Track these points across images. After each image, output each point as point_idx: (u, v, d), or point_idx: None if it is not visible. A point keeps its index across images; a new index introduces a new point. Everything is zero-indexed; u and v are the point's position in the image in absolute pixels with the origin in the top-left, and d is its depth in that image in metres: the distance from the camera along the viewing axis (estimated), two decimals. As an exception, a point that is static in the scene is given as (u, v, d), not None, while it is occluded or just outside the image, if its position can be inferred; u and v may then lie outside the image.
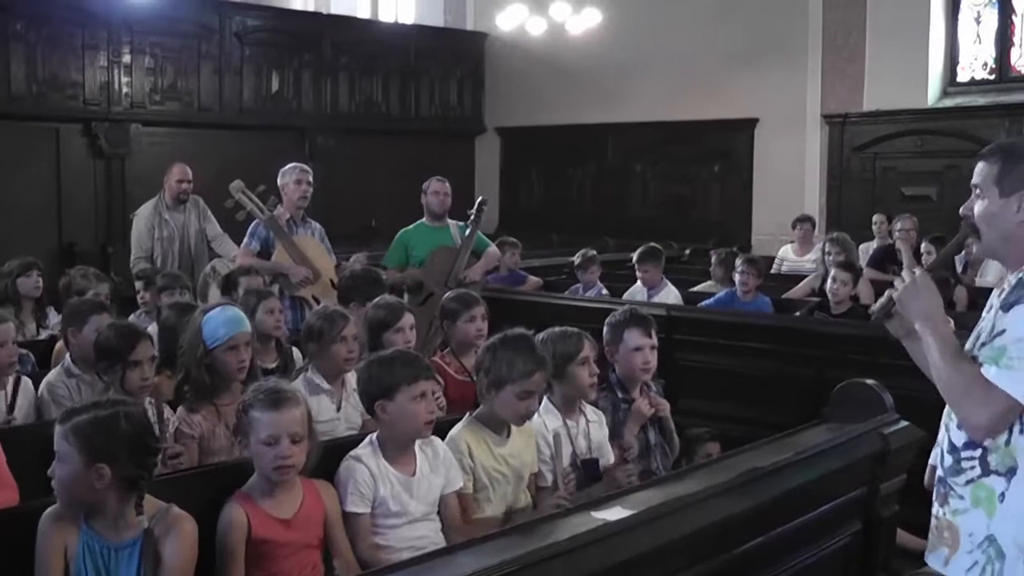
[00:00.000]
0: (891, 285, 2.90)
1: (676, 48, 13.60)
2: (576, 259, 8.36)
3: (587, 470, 3.94)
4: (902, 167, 12.26)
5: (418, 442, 3.51)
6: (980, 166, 2.79)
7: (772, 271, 9.95)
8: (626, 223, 13.82)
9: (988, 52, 12.18)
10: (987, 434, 2.63)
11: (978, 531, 2.68)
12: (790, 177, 12.96)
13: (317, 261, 7.13)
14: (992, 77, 12.17)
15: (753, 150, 13.56)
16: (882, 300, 2.95)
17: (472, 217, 7.71)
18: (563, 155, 15.29)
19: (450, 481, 3.55)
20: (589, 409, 4.12)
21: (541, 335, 4.12)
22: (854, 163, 12.61)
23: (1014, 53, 12.03)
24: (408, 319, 4.84)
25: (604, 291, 8.21)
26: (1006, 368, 2.56)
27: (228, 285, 6.32)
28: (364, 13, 16.72)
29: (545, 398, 4.03)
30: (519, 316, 7.52)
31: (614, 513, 2.72)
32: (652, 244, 8.14)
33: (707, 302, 7.66)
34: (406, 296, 7.62)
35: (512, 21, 13.52)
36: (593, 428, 4.08)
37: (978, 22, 12.21)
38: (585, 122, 14.62)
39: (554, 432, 3.87)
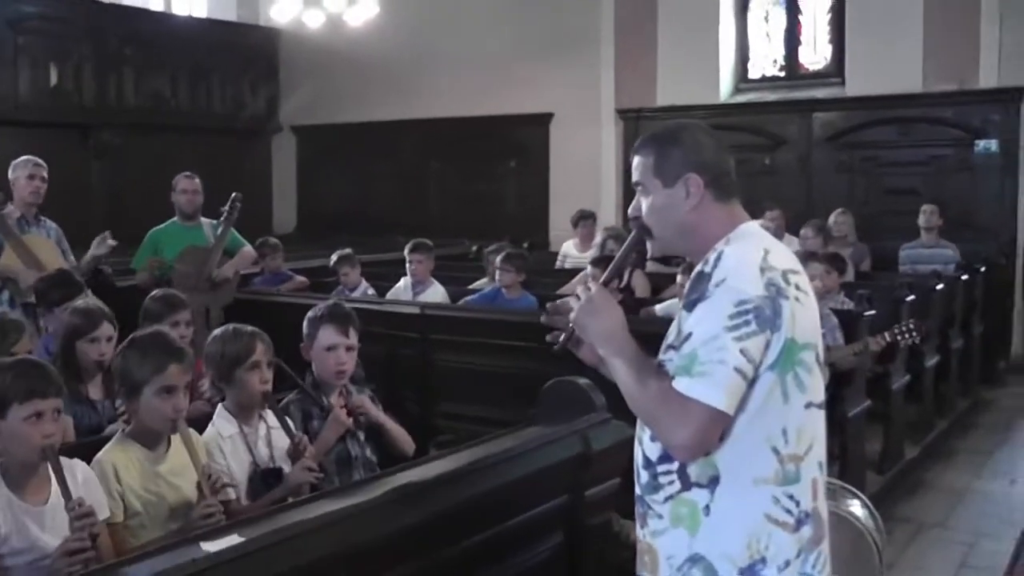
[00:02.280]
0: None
1: (469, 40, 13.36)
2: (332, 259, 8.01)
3: (267, 480, 3.57)
4: (696, 162, 12.21)
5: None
6: (636, 161, 2.53)
7: (556, 267, 9.83)
8: (425, 221, 13.48)
9: (778, 50, 12.27)
10: (695, 453, 2.31)
11: (678, 553, 2.38)
12: (586, 173, 12.82)
13: (50, 264, 6.56)
14: (782, 74, 12.26)
15: (549, 145, 13.40)
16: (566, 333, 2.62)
17: (224, 215, 7.28)
18: (360, 153, 14.89)
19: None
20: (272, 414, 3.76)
21: (215, 332, 3.77)
22: (649, 159, 12.51)
23: (802, 52, 12.14)
24: (106, 329, 4.38)
25: (371, 291, 7.87)
26: (699, 376, 2.23)
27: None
28: (157, 6, 15.96)
29: (220, 404, 3.67)
30: (272, 319, 7.24)
31: (224, 543, 2.37)
32: (423, 239, 7.86)
33: (469, 299, 7.39)
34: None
35: (287, 13, 12.98)
36: (277, 435, 3.70)
37: (767, 21, 12.29)
38: (380, 119, 14.27)
39: (229, 437, 3.54)
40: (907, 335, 6.08)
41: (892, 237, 9.88)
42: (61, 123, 13.23)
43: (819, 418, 2.43)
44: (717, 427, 2.26)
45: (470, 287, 8.11)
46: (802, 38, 12.14)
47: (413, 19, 13.74)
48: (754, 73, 12.40)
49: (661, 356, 2.41)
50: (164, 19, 15.11)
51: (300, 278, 8.60)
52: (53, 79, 13.25)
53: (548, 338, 2.67)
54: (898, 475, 6.74)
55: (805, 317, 2.34)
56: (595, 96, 12.77)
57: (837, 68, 11.78)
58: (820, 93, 11.77)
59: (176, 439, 3.33)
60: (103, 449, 3.30)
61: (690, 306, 2.33)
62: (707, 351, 2.24)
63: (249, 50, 15.47)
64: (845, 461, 5.93)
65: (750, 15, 12.35)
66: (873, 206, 11.06)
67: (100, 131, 13.65)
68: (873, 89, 11.05)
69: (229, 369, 3.65)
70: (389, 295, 7.73)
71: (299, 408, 3.94)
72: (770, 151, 11.84)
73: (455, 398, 6.23)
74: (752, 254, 2.33)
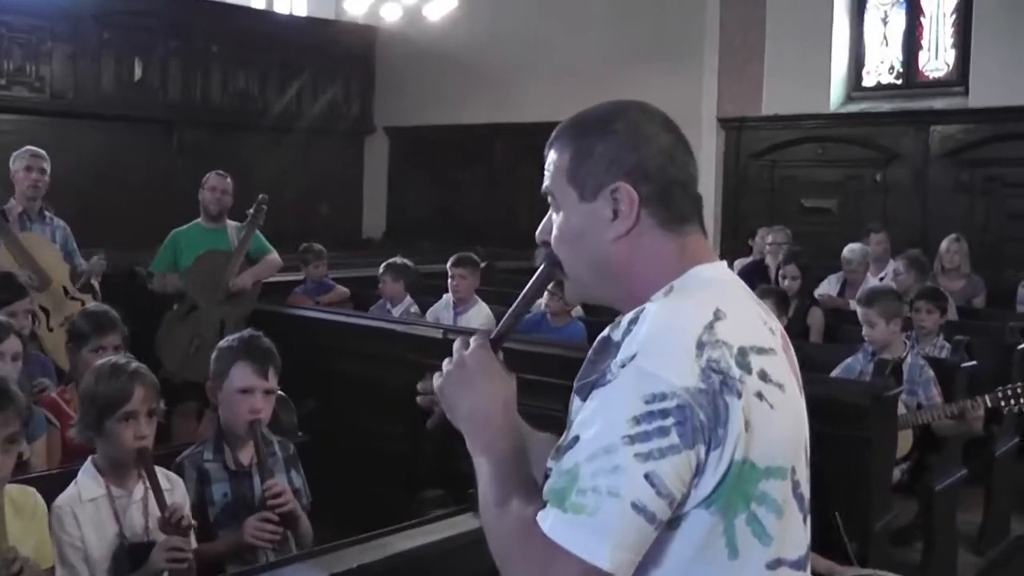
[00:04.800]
0: None
1: (566, 44, 12.58)
2: (381, 269, 7.29)
3: (135, 556, 2.83)
4: (802, 176, 11.25)
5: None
6: (549, 159, 1.70)
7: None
8: (513, 232, 12.68)
9: (895, 55, 11.16)
10: None
11: None
12: (684, 184, 11.89)
13: (47, 264, 6.02)
14: (899, 82, 11.13)
15: (647, 154, 12.46)
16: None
17: (249, 217, 6.66)
18: (451, 157, 14.22)
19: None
20: (159, 472, 3.00)
21: (96, 364, 3.06)
22: (751, 170, 11.59)
23: (922, 57, 11.00)
24: (11, 344, 3.72)
25: (414, 308, 7.13)
26: (575, 511, 1.42)
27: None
28: (258, 4, 15.58)
29: (89, 459, 2.96)
30: (297, 336, 6.58)
31: None
32: (468, 252, 7.11)
33: (510, 325, 6.58)
34: (175, 305, 6.61)
35: (362, 6, 12.45)
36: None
37: (885, 23, 11.18)
38: (472, 122, 13.59)
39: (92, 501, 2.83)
40: (1015, 400, 4.88)
41: (1014, 269, 8.72)
42: (144, 118, 12.90)
43: None
44: None
45: (527, 308, 7.31)
46: (923, 42, 10.97)
47: (511, 21, 13.05)
48: (868, 81, 11.30)
49: (549, 461, 1.53)
50: (254, 16, 14.68)
51: (342, 288, 7.94)
52: (138, 74, 12.91)
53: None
54: (1001, 556, 5.65)
55: (774, 425, 1.50)
56: (696, 103, 11.78)
57: (960, 76, 10.60)
58: (940, 104, 10.59)
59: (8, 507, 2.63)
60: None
61: (583, 390, 1.50)
62: (593, 471, 1.42)
63: (344, 49, 14.89)
64: (931, 542, 4.93)
65: (867, 16, 11.25)
66: (993, 232, 9.91)
67: (184, 128, 13.26)
68: (1000, 100, 9.82)
69: (97, 417, 2.93)
70: (428, 314, 7.00)
71: (194, 466, 3.18)
72: (881, 167, 10.72)
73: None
74: (691, 318, 1.49)
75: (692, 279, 1.59)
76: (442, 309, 6.90)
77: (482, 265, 7.35)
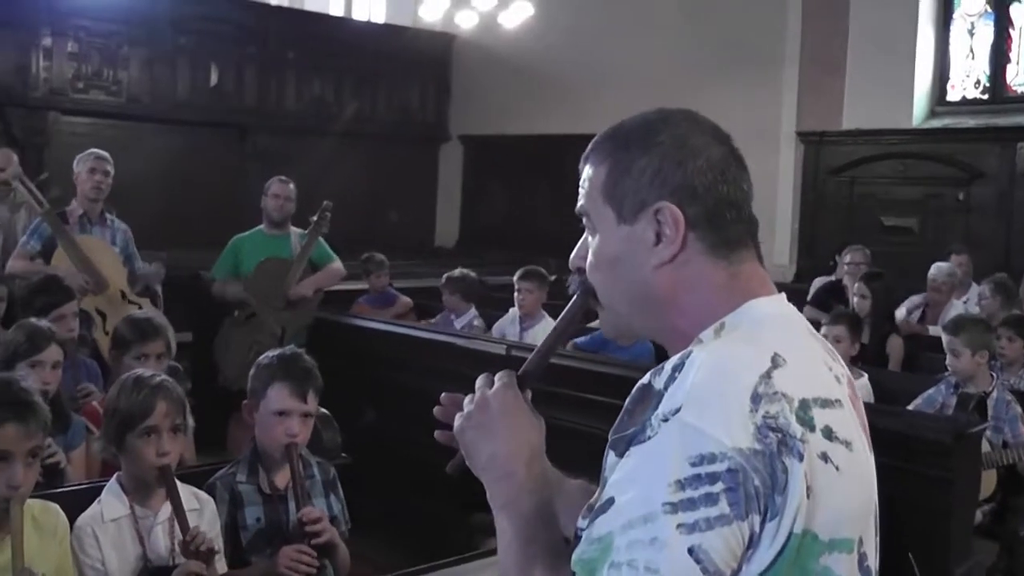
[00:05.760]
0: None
1: (642, 55, 12.38)
2: (443, 280, 7.13)
3: (159, 579, 2.69)
4: (882, 194, 10.89)
5: None
6: (584, 174, 1.50)
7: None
8: (583, 246, 12.52)
9: (981, 69, 10.76)
10: None
11: None
12: (761, 200, 11.33)
13: (105, 267, 5.95)
14: (985, 97, 10.73)
15: (722, 169, 12.19)
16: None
17: (312, 224, 6.56)
18: (524, 167, 14.07)
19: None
20: (188, 492, 2.86)
21: (120, 378, 2.92)
22: (830, 187, 11.27)
23: (1010, 71, 10.60)
24: (51, 353, 3.61)
25: (477, 321, 6.97)
26: None
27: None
28: (337, 11, 15.57)
29: (114, 477, 2.83)
30: (356, 347, 6.47)
31: None
32: (535, 266, 6.93)
33: (578, 340, 6.38)
34: (236, 312, 6.53)
35: (436, 13, 12.39)
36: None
37: (971, 35, 10.79)
38: (546, 132, 13.42)
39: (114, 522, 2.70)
40: None
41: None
42: (218, 123, 12.99)
43: None
44: None
45: (590, 324, 7.10)
46: (1011, 55, 10.56)
47: (585, 31, 12.89)
48: (953, 95, 10.91)
49: (579, 523, 1.33)
50: (331, 23, 14.69)
51: (404, 299, 7.79)
52: (213, 79, 12.99)
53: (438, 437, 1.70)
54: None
55: (840, 491, 1.29)
56: (775, 118, 11.52)
57: (1051, 91, 10.19)
58: (1027, 120, 10.19)
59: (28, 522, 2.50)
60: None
61: (619, 445, 1.30)
62: (628, 542, 1.22)
63: (421, 56, 14.82)
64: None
65: (953, 28, 10.86)
66: (1085, 255, 9.46)
67: (257, 133, 13.29)
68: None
69: (120, 431, 2.79)
70: (494, 328, 6.83)
71: (227, 488, 3.03)
72: (965, 185, 10.30)
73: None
74: (745, 365, 1.29)
75: (746, 315, 1.39)
76: (508, 324, 6.73)
77: (551, 279, 7.16)
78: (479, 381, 1.59)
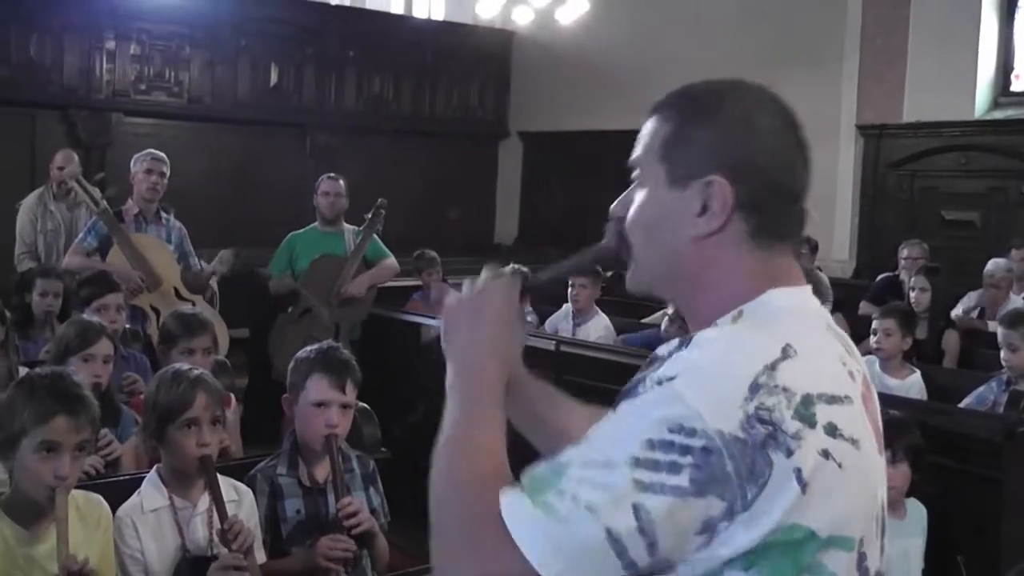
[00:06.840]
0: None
1: (699, 49, 12.22)
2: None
3: (197, 570, 2.73)
4: (943, 187, 10.70)
5: None
6: (646, 127, 1.51)
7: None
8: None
9: (1047, 58, 10.56)
10: None
11: None
12: (820, 195, 11.33)
13: (159, 265, 6.07)
14: (1051, 88, 10.54)
15: (780, 163, 12.06)
16: None
17: (367, 222, 6.62)
18: (583, 164, 14.02)
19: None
20: (227, 483, 2.91)
21: (159, 372, 2.98)
22: (890, 181, 11.10)
23: (1076, 60, 10.40)
24: (102, 347, 3.70)
25: (531, 317, 6.98)
26: (543, 507, 1.22)
27: (22, 286, 5.33)
28: (397, 9, 15.65)
29: (154, 469, 2.88)
30: (407, 342, 6.51)
31: None
32: (591, 263, 6.91)
33: (628, 336, 6.36)
34: (290, 308, 6.61)
35: (494, 9, 12.39)
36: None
37: (1036, 24, 10.60)
38: (604, 128, 13.37)
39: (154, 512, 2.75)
40: None
41: None
42: (278, 122, 13.10)
43: None
44: None
45: (644, 320, 7.08)
46: (1077, 43, 10.32)
47: (641, 26, 12.83)
48: (1017, 86, 10.71)
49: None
50: (391, 21, 14.72)
51: (456, 295, 7.79)
52: (273, 79, 13.11)
53: None
54: None
55: (842, 489, 1.27)
56: (834, 110, 11.35)
57: (1117, 80, 9.95)
58: (1094, 111, 9.96)
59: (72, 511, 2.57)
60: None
61: (619, 397, 1.32)
62: (581, 477, 1.23)
63: (480, 53, 14.85)
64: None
65: (1017, 17, 10.66)
66: None
67: (316, 132, 13.40)
68: None
69: (160, 424, 2.85)
70: (547, 324, 6.86)
71: (267, 480, 3.07)
72: (1027, 178, 10.15)
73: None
74: (753, 353, 1.28)
75: (763, 305, 1.37)
76: (561, 319, 6.75)
77: (608, 275, 7.15)
78: (486, 272, 1.60)
